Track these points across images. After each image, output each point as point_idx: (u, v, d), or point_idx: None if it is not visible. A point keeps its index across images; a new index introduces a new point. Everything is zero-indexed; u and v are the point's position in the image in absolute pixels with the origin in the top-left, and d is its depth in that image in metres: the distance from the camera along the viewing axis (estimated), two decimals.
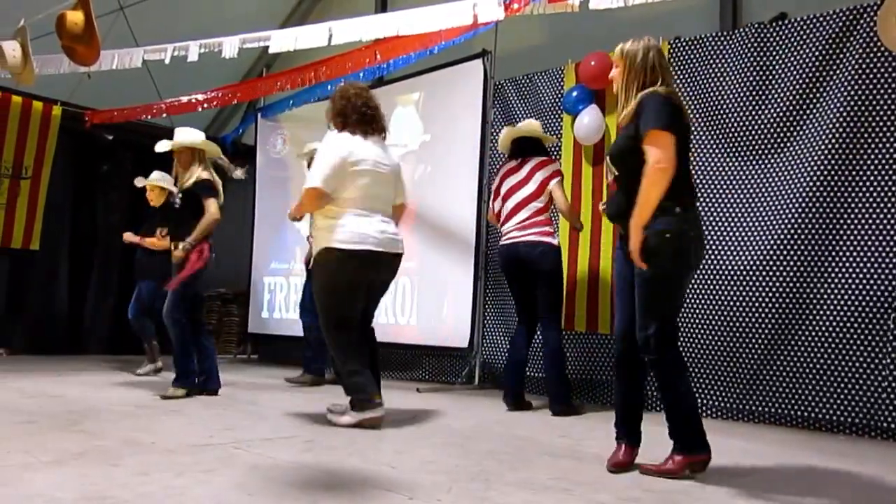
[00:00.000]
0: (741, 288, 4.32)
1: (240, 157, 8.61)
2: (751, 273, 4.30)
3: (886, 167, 3.90)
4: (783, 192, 4.24)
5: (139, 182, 5.83)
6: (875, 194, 3.92)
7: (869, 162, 3.95)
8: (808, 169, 4.13)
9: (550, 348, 4.37)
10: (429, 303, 5.96)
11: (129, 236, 6.07)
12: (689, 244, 2.62)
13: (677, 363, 2.70)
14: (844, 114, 4.01)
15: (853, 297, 3.90)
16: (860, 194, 3.96)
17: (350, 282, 3.60)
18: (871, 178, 3.94)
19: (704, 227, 4.44)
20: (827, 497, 2.56)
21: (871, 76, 3.97)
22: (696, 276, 4.30)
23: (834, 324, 3.95)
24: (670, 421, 2.69)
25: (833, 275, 3.99)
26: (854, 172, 3.98)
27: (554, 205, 4.48)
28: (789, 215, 4.18)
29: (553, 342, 4.37)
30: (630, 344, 2.73)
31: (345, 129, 3.67)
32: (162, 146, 4.71)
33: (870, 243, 3.90)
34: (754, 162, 4.40)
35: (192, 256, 4.44)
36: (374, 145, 3.71)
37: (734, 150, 4.46)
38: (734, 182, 4.44)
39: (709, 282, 4.47)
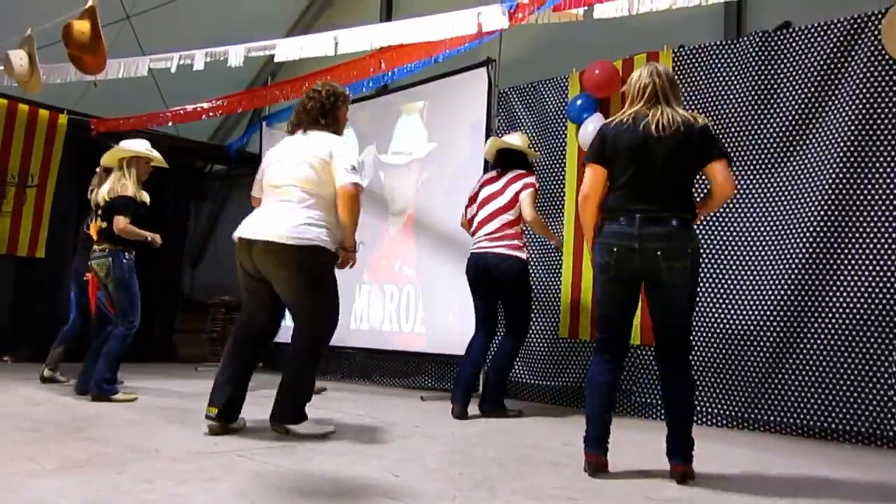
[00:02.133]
0: (747, 297, 4.31)
1: (244, 166, 8.74)
2: (757, 282, 4.29)
3: (894, 176, 3.89)
4: (789, 202, 4.24)
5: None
6: (882, 204, 3.91)
7: (876, 171, 3.94)
8: (815, 178, 4.12)
9: (503, 352, 4.49)
10: (432, 310, 5.95)
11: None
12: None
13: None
14: (851, 122, 4.00)
15: (859, 306, 3.89)
16: (867, 204, 3.95)
17: (239, 274, 3.56)
18: (879, 187, 3.93)
19: (709, 238, 4.47)
20: None
21: (877, 84, 3.96)
22: (701, 286, 4.30)
23: (840, 333, 3.93)
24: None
25: (839, 284, 3.98)
26: (861, 182, 3.97)
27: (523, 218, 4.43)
28: (795, 225, 4.17)
29: (507, 347, 4.48)
30: None
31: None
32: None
33: (876, 253, 3.89)
34: (760, 171, 4.39)
35: None
36: (292, 139, 3.61)
37: (739, 159, 4.44)
38: (740, 191, 4.42)
39: (715, 291, 4.46)
